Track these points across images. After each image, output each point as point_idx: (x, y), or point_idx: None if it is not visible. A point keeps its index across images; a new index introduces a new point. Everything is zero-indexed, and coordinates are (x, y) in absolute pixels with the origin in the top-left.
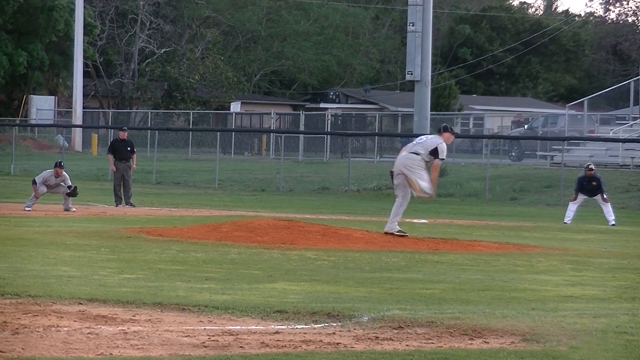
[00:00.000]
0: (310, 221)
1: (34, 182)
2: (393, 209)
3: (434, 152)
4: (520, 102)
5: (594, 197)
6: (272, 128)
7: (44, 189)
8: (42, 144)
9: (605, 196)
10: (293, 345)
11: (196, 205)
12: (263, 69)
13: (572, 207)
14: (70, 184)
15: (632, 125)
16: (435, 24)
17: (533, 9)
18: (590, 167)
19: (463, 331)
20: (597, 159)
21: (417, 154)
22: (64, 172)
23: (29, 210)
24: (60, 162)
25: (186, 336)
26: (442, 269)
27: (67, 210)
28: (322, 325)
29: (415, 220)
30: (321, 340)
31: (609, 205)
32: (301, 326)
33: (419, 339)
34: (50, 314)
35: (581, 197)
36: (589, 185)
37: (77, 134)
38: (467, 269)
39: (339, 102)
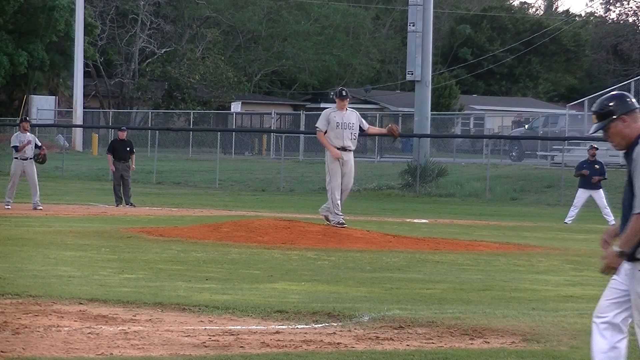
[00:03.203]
0: (310, 221)
1: (15, 149)
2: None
3: None
4: (520, 102)
5: (594, 191)
6: (272, 128)
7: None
8: (43, 144)
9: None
10: (294, 345)
11: (197, 205)
12: (263, 69)
13: (575, 209)
14: (39, 144)
15: None
16: (435, 24)
17: (533, 9)
18: (594, 146)
19: (464, 331)
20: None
21: None
22: (30, 133)
23: (8, 208)
24: (25, 117)
25: (187, 336)
26: (442, 269)
27: (35, 208)
28: (323, 325)
29: (415, 220)
30: (322, 340)
31: (608, 207)
32: (302, 326)
33: (419, 338)
34: (50, 314)
35: (583, 196)
36: (591, 168)
37: (78, 134)
38: (468, 269)
39: None
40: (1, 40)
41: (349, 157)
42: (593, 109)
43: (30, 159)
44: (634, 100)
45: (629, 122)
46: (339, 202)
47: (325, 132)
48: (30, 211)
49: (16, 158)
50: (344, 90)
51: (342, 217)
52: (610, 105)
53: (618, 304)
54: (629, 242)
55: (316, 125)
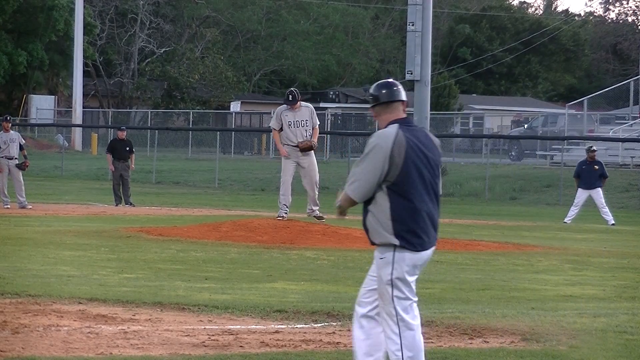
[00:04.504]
0: (309, 221)
1: None
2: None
3: None
4: (520, 102)
5: (593, 191)
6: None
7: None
8: (42, 144)
9: (602, 184)
10: (293, 344)
11: (196, 205)
12: (263, 69)
13: (575, 209)
14: (24, 142)
15: (631, 124)
16: (435, 23)
17: (533, 9)
18: (592, 148)
19: (463, 330)
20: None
21: None
22: (14, 132)
23: (7, 207)
24: (6, 117)
25: (186, 335)
26: (441, 269)
27: (22, 207)
28: (322, 324)
29: None
30: (321, 340)
31: (606, 206)
32: (301, 325)
33: None
34: (50, 314)
35: (583, 195)
36: (590, 169)
37: (77, 133)
38: (467, 269)
39: (339, 102)
40: (0, 39)
41: (306, 153)
42: (369, 90)
43: (16, 158)
44: (399, 91)
45: (384, 111)
46: (283, 199)
47: (282, 130)
48: (29, 211)
49: (1, 157)
50: (290, 95)
51: (285, 212)
52: (375, 93)
53: (374, 291)
54: (343, 204)
55: (269, 124)
